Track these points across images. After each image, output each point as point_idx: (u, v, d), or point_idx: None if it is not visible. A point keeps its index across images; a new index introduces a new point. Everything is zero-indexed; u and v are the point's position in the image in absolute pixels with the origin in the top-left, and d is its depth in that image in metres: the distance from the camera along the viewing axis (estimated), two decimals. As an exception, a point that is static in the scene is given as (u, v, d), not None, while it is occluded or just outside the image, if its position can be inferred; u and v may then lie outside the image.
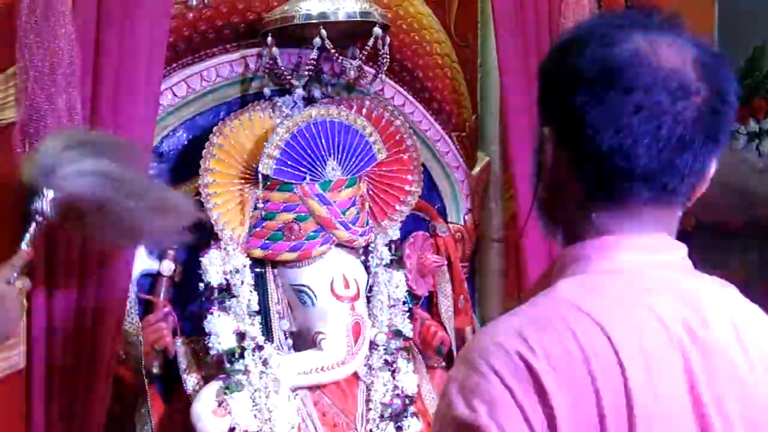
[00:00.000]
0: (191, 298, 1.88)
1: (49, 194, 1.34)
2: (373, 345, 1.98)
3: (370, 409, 1.97)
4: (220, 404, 1.77)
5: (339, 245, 1.94)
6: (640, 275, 0.84)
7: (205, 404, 1.76)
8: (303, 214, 1.87)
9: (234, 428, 1.76)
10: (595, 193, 0.86)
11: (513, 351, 0.76)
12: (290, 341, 1.93)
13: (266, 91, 1.93)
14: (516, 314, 0.83)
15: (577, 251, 0.87)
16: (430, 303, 2.23)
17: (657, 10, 0.88)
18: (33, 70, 1.38)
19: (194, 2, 1.86)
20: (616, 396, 0.76)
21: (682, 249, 0.89)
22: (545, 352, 0.76)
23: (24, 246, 1.35)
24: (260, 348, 1.83)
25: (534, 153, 0.92)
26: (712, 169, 0.88)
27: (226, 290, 1.83)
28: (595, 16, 0.94)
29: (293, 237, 1.87)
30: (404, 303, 2.08)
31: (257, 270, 1.89)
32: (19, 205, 1.43)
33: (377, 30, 1.88)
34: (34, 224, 1.36)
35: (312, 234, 1.88)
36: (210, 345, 1.79)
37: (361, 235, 1.96)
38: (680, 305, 0.83)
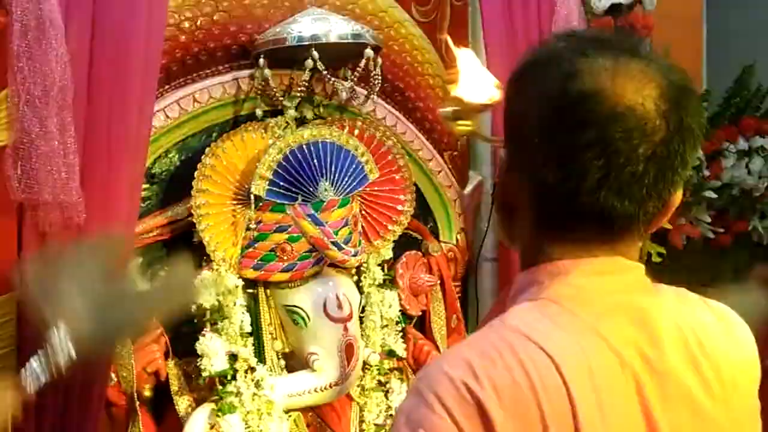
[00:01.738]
0: (183, 319, 1.87)
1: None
2: (366, 365, 1.98)
3: (363, 430, 1.97)
4: (212, 427, 1.76)
5: (331, 265, 1.95)
6: (592, 300, 0.83)
7: (197, 427, 1.75)
8: (295, 234, 1.87)
9: (226, 451, 1.75)
10: (546, 223, 0.85)
11: (460, 381, 0.76)
12: (283, 362, 1.92)
13: (258, 112, 1.94)
14: (466, 344, 0.82)
15: (530, 276, 0.85)
16: (423, 323, 2.23)
17: (627, 33, 0.86)
18: (25, 93, 1.38)
19: (187, 25, 1.87)
20: (565, 426, 0.76)
21: (638, 269, 0.87)
22: (492, 383, 0.75)
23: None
24: (253, 369, 1.82)
25: (497, 175, 0.91)
26: (675, 198, 0.85)
27: (219, 311, 1.83)
28: (561, 35, 0.90)
29: (286, 257, 1.87)
30: (397, 323, 2.09)
31: (250, 291, 1.89)
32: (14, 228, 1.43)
33: (369, 51, 1.89)
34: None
35: (304, 254, 1.88)
36: (202, 367, 1.78)
37: (353, 255, 1.96)
38: (632, 329, 0.82)
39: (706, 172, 2.64)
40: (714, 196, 2.63)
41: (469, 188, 2.36)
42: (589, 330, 0.81)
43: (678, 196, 0.85)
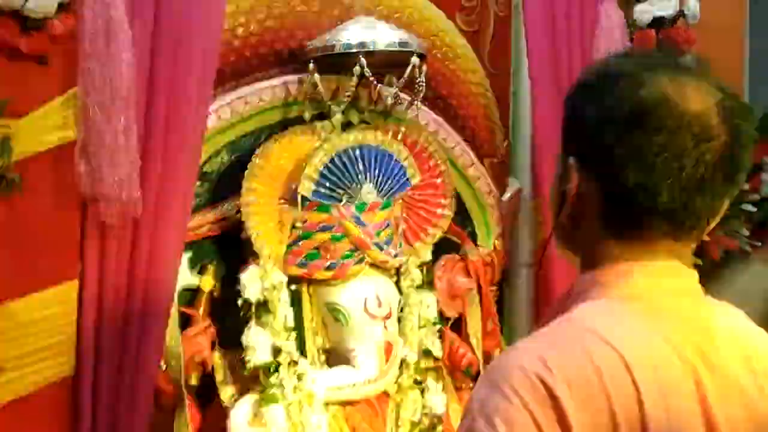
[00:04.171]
0: (229, 312, 1.94)
1: None
2: (403, 364, 2.03)
3: (399, 426, 2.01)
4: (255, 416, 1.82)
5: (373, 265, 2.00)
6: (653, 300, 0.88)
7: (241, 416, 1.82)
8: (339, 234, 1.93)
9: (268, 440, 1.82)
10: (616, 224, 0.90)
11: (533, 373, 0.80)
12: (323, 357, 1.98)
13: (306, 115, 2.01)
14: (537, 338, 0.87)
15: (594, 277, 0.91)
16: (460, 325, 2.28)
17: (684, 53, 0.93)
18: (93, 93, 1.47)
19: (240, 30, 1.95)
20: (632, 416, 0.80)
21: (694, 276, 0.93)
22: (564, 375, 0.80)
23: None
24: (295, 363, 1.89)
25: (556, 181, 0.96)
26: (726, 206, 0.91)
27: (264, 306, 1.89)
28: (623, 55, 0.99)
29: (329, 256, 1.93)
30: (434, 324, 2.13)
31: (293, 287, 1.95)
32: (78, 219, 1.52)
33: (415, 59, 1.94)
34: None
35: (347, 254, 1.94)
36: (247, 358, 1.85)
37: (394, 257, 2.01)
38: (691, 330, 0.88)
39: (746, 186, 2.64)
40: (753, 209, 2.63)
41: (507, 195, 2.40)
42: (651, 328, 0.86)
43: (726, 205, 0.92)
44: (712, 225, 0.92)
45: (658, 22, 2.27)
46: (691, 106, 0.86)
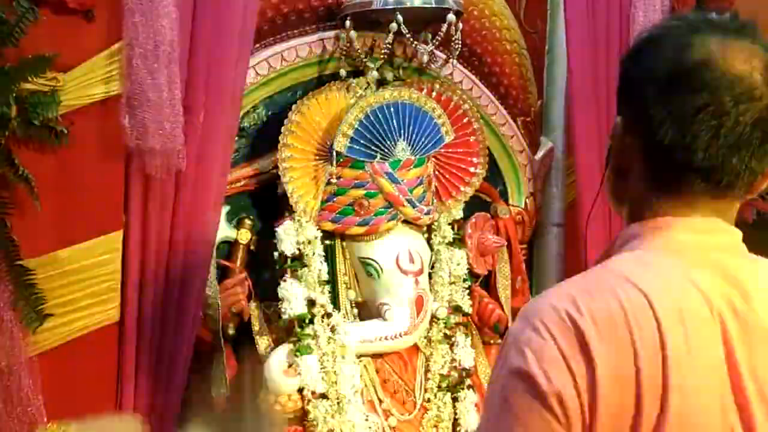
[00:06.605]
0: (265, 265, 1.99)
1: None
2: (434, 318, 2.07)
3: (428, 379, 2.07)
4: (290, 365, 1.88)
5: (405, 222, 2.04)
6: (689, 253, 0.92)
7: (276, 365, 1.88)
8: (373, 190, 1.96)
9: (302, 389, 1.88)
10: (656, 181, 0.94)
11: (563, 311, 0.86)
12: (356, 311, 2.03)
13: (342, 72, 2.02)
14: (571, 281, 0.93)
15: (634, 230, 0.95)
16: (489, 282, 2.31)
17: (734, 15, 0.94)
18: (138, 47, 1.50)
19: (278, -14, 1.96)
20: (653, 353, 0.85)
21: (736, 233, 0.95)
22: (590, 313, 0.85)
23: None
24: (329, 315, 1.93)
25: (609, 138, 1.00)
26: None
27: (299, 259, 1.94)
28: (674, 17, 0.99)
29: (362, 212, 1.96)
30: (464, 280, 2.16)
31: (327, 242, 1.99)
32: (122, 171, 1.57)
33: (451, 17, 1.94)
34: None
35: (380, 210, 1.97)
36: (282, 310, 1.90)
37: (426, 214, 2.04)
38: (725, 283, 0.90)
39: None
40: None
41: (540, 154, 2.41)
42: (683, 277, 0.90)
43: None
44: (761, 185, 0.94)
45: (697, -19, 2.23)
46: (735, 66, 0.88)
